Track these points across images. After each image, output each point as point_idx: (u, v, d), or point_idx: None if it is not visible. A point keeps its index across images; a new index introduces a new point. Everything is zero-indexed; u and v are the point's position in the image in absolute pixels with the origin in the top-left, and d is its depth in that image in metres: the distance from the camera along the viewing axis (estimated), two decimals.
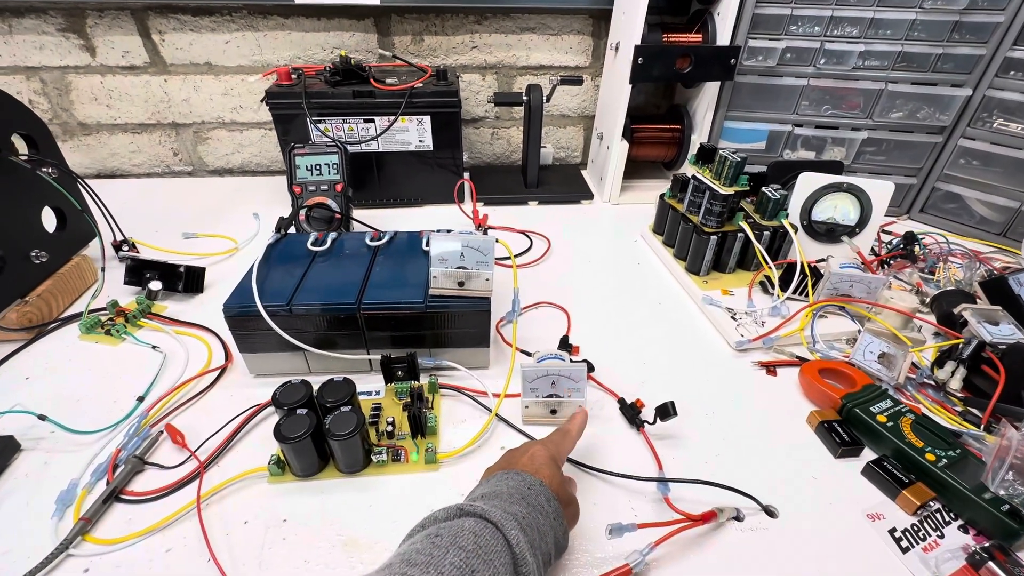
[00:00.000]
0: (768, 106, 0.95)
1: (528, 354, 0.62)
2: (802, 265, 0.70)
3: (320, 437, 0.47)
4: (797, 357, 0.64)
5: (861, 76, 0.89)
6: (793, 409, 0.58)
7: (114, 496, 0.46)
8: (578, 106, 1.14)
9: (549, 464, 0.41)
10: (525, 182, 1.04)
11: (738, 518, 0.46)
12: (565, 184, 1.08)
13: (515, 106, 0.97)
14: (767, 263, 0.72)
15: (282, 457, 0.48)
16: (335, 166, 0.79)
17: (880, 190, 0.76)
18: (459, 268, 0.54)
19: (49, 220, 0.70)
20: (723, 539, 0.45)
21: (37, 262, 0.66)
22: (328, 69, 0.89)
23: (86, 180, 0.74)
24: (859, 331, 0.66)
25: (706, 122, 0.98)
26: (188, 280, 0.72)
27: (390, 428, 0.52)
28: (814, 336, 0.65)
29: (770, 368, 0.63)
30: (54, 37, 0.95)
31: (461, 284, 0.55)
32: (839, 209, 0.79)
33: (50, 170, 0.67)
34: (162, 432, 0.52)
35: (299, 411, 0.47)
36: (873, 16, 0.84)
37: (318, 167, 0.79)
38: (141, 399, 0.56)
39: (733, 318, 0.69)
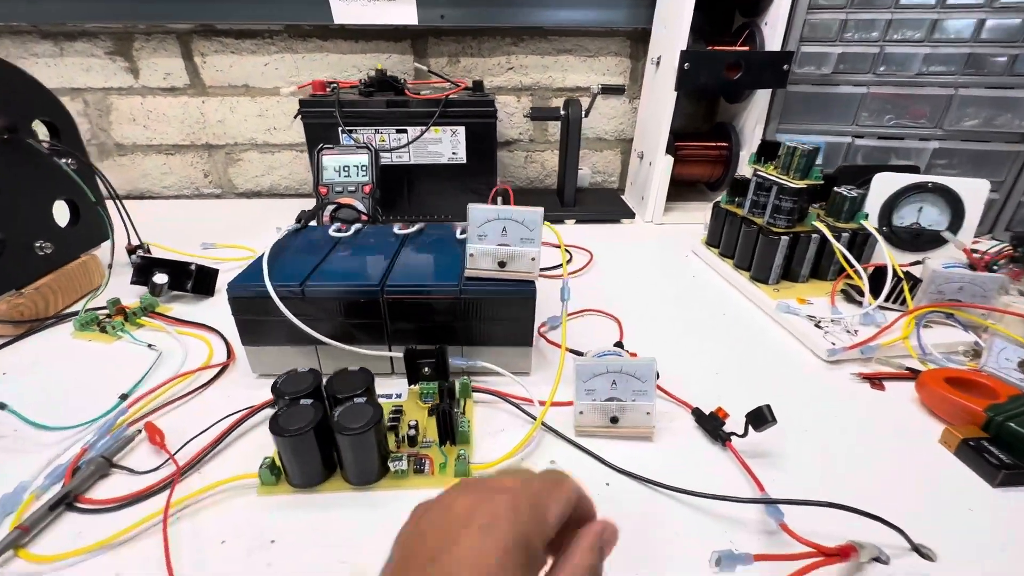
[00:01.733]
0: (824, 117, 0.89)
1: (580, 355, 0.52)
2: (894, 269, 0.60)
3: (326, 436, 0.37)
4: (907, 368, 0.52)
5: (927, 82, 0.83)
6: (918, 427, 0.46)
7: (65, 503, 0.36)
8: (615, 129, 1.10)
9: (515, 545, 0.20)
10: (562, 201, 0.99)
11: (881, 559, 0.33)
12: (603, 204, 1.02)
13: (552, 120, 0.93)
14: (852, 267, 0.62)
15: (277, 461, 0.38)
16: (363, 168, 0.75)
17: (973, 189, 0.67)
18: (500, 245, 0.47)
19: (62, 214, 0.66)
20: None
21: (41, 254, 0.61)
22: (363, 81, 0.87)
23: (107, 178, 0.71)
24: (975, 341, 0.55)
25: (755, 137, 0.92)
26: (199, 280, 0.66)
27: (412, 432, 0.42)
28: (922, 345, 0.54)
29: (876, 381, 0.51)
30: (101, 60, 0.98)
31: (502, 264, 0.47)
32: (924, 213, 0.70)
33: (69, 161, 0.64)
34: (140, 431, 0.43)
35: (303, 401, 0.38)
36: (936, 18, 0.79)
37: (346, 168, 0.75)
38: (124, 397, 0.48)
39: (818, 326, 0.58)
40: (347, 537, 0.35)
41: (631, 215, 0.98)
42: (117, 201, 0.71)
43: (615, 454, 0.42)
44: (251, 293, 0.47)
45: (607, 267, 0.78)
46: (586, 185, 1.13)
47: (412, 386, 0.48)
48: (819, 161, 0.91)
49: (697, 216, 0.95)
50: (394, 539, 0.23)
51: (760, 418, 0.40)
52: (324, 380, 0.41)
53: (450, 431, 0.40)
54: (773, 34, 0.84)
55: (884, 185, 0.70)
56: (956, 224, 0.69)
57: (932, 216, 0.69)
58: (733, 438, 0.42)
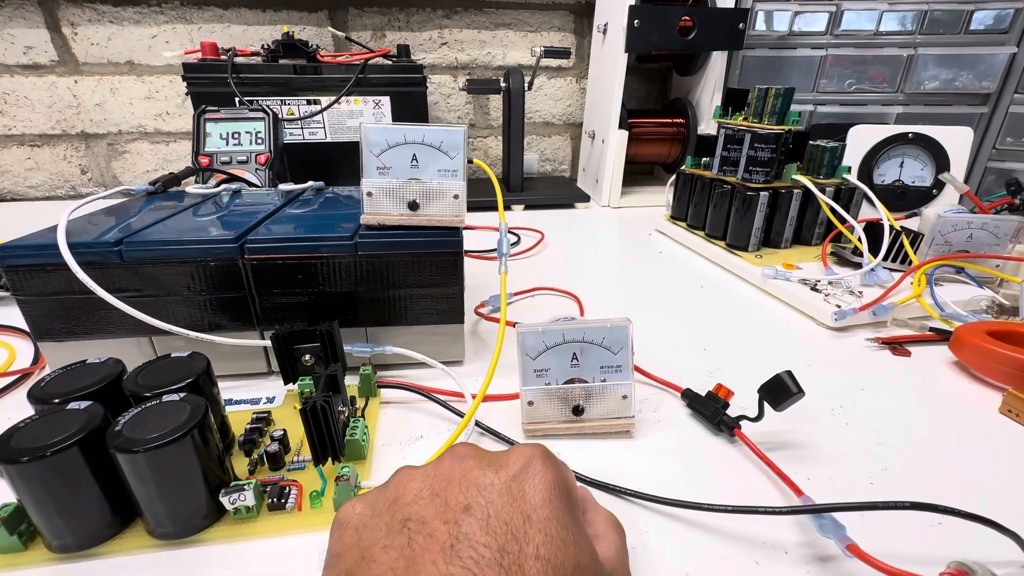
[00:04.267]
0: (783, 84, 0.82)
1: None
2: (890, 222, 0.52)
3: (107, 458, 0.22)
4: (931, 329, 0.42)
5: (885, 43, 0.78)
6: (965, 394, 0.36)
7: None
8: (563, 112, 1.01)
9: None
10: (508, 185, 0.87)
11: None
12: (555, 189, 0.92)
13: (492, 93, 0.83)
14: (845, 222, 0.53)
15: (25, 509, 0.23)
16: (259, 135, 0.61)
17: (956, 138, 0.61)
18: (411, 180, 0.34)
19: None
20: None
21: None
22: (266, 47, 0.74)
23: None
24: (992, 296, 0.46)
25: (711, 111, 0.84)
26: None
27: (275, 448, 0.27)
28: (939, 302, 0.45)
29: (898, 346, 0.41)
30: None
31: (414, 206, 0.34)
32: (906, 167, 0.63)
33: None
34: None
35: (74, 405, 0.23)
36: None
37: (236, 135, 0.60)
38: None
39: (815, 290, 0.48)
40: None
41: (585, 199, 0.88)
42: None
43: (582, 458, 0.29)
44: (38, 259, 0.31)
45: (561, 248, 0.66)
46: (534, 172, 1.03)
47: (290, 386, 0.33)
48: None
49: (657, 199, 0.87)
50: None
51: (780, 390, 0.28)
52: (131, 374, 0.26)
53: (331, 440, 0.26)
54: None
55: (861, 138, 0.62)
56: (939, 184, 0.62)
57: (915, 170, 0.62)
58: (743, 423, 0.30)
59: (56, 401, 0.24)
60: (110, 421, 0.23)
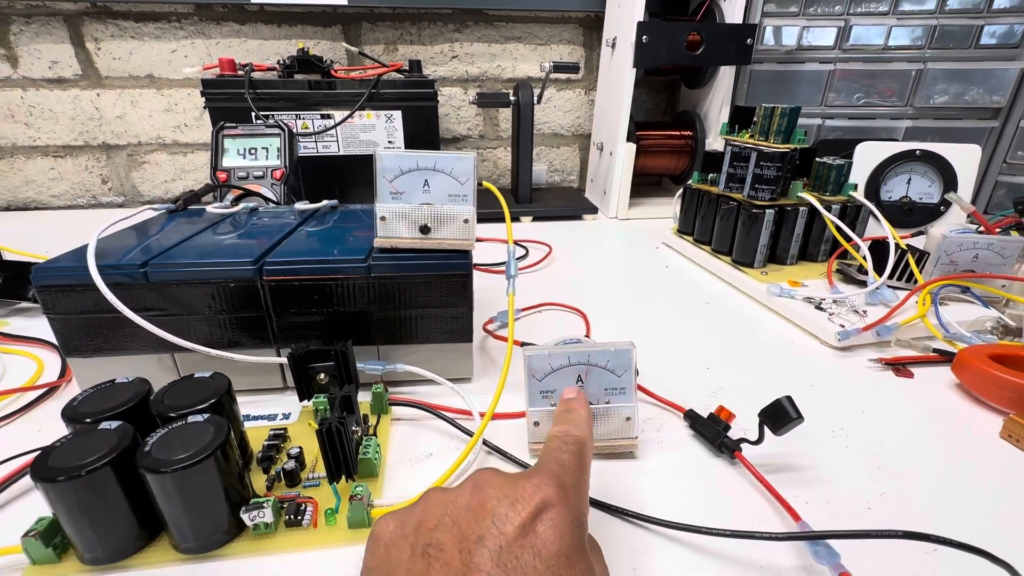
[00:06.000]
0: (791, 98, 0.83)
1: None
2: (896, 241, 0.52)
3: (138, 477, 0.24)
4: (935, 351, 0.43)
5: (894, 57, 0.79)
6: (966, 418, 0.36)
7: None
8: (572, 123, 1.02)
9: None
10: (516, 197, 0.88)
11: None
12: (563, 200, 0.93)
13: (502, 106, 0.84)
14: (849, 240, 0.53)
15: (59, 523, 0.24)
16: (275, 150, 0.62)
17: (964, 154, 0.61)
18: (423, 205, 0.35)
19: None
20: None
21: None
22: (282, 62, 0.76)
23: None
24: (999, 317, 0.46)
25: (719, 124, 0.85)
26: None
27: (291, 465, 0.28)
28: (944, 323, 0.45)
29: (901, 367, 0.41)
30: None
31: (425, 230, 0.35)
32: (914, 184, 0.63)
33: None
34: None
35: (105, 425, 0.25)
36: None
37: (253, 151, 0.62)
38: None
39: (819, 308, 0.49)
40: None
41: (593, 210, 0.88)
42: None
43: None
44: (68, 280, 0.33)
45: (569, 262, 0.67)
46: (543, 183, 1.04)
47: (305, 403, 0.35)
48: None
49: (665, 211, 0.87)
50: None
51: (779, 415, 0.29)
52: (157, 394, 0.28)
53: (345, 459, 0.27)
54: (733, 9, 0.78)
55: (868, 155, 0.63)
56: (946, 201, 0.62)
57: (922, 187, 0.62)
58: (744, 446, 0.31)
59: (88, 420, 0.26)
60: (139, 441, 0.24)
